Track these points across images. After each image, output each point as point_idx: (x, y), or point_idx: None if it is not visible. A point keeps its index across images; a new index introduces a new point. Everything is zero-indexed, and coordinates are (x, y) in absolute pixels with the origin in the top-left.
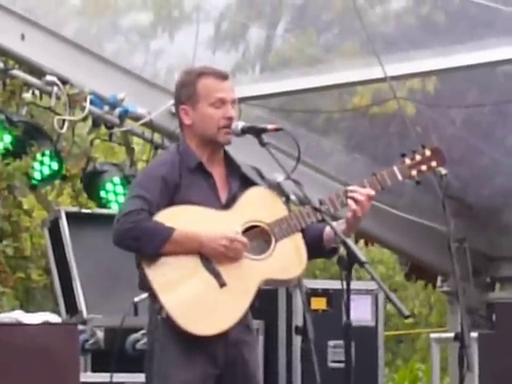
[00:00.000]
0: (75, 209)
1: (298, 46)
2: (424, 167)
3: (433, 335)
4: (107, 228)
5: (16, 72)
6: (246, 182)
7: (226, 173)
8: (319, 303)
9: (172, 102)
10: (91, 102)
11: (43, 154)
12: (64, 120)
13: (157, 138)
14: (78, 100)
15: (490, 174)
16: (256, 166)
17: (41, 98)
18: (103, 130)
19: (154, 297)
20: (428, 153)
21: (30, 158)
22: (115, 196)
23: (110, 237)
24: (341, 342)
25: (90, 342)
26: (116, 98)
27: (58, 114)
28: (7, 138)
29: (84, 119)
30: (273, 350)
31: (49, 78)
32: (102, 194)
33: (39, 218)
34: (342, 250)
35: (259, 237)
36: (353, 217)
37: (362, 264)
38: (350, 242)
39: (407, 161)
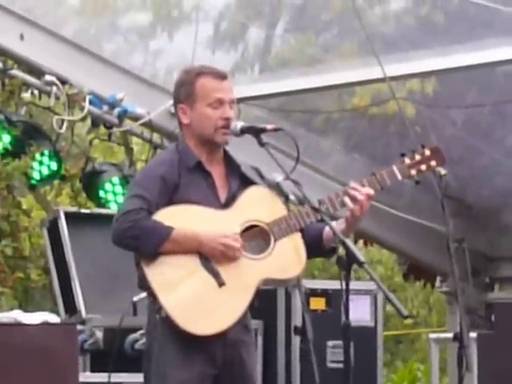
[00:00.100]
0: (74, 209)
1: (297, 46)
2: (423, 167)
3: (432, 335)
4: (106, 228)
5: (15, 72)
6: (246, 182)
7: (226, 172)
8: (318, 303)
9: (171, 101)
10: (90, 102)
11: (42, 154)
12: (63, 120)
13: (156, 137)
14: (77, 100)
15: (489, 175)
16: (256, 166)
17: (40, 97)
18: (102, 129)
19: (152, 296)
20: (427, 152)
21: (29, 157)
22: (114, 196)
23: (108, 237)
24: (340, 343)
25: (89, 341)
26: (115, 97)
27: (57, 114)
28: (6, 138)
29: (83, 119)
30: (272, 350)
31: (48, 77)
32: (101, 193)
33: (38, 218)
34: (341, 250)
35: (258, 236)
36: (351, 216)
37: (360, 264)
38: (349, 242)
39: (407, 160)
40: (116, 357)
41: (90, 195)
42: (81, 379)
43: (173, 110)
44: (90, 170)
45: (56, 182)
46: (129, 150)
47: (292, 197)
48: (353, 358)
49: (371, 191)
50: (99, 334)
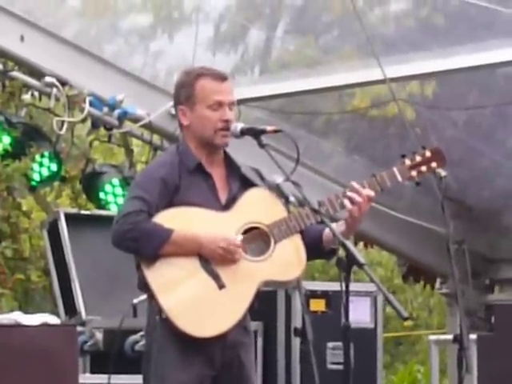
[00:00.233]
0: (74, 210)
1: (298, 47)
2: (424, 168)
3: (432, 337)
4: (106, 229)
5: (15, 73)
6: (246, 183)
7: (226, 174)
8: (318, 305)
9: (171, 103)
10: (90, 104)
11: (42, 156)
12: (63, 121)
13: (156, 139)
14: (77, 101)
15: (489, 176)
16: (256, 168)
17: (40, 99)
18: (102, 131)
19: (152, 298)
20: (428, 154)
21: (29, 159)
22: (114, 197)
23: (108, 238)
24: (340, 344)
25: (89, 343)
26: (115, 99)
27: (57, 116)
28: (6, 140)
29: (83, 120)
30: (272, 352)
31: (48, 79)
32: (101, 195)
33: (38, 220)
34: (341, 252)
35: (258, 238)
36: (350, 217)
37: (360, 266)
38: (349, 243)
39: (407, 162)
40: (116, 358)
41: (90, 197)
42: (81, 381)
43: (173, 112)
44: (90, 172)
45: (56, 183)
46: (129, 152)
47: (292, 198)
48: (353, 359)
49: (371, 193)
50: (99, 336)
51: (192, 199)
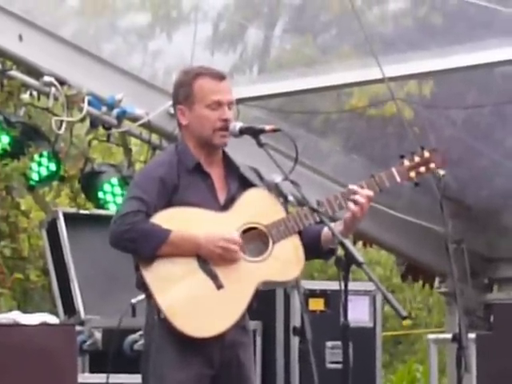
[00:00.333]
0: (73, 210)
1: (296, 47)
2: (423, 169)
3: (431, 336)
4: (105, 229)
5: (14, 73)
6: (245, 183)
7: (225, 174)
8: (317, 304)
9: (170, 102)
10: (89, 103)
11: (41, 155)
12: (62, 121)
13: (155, 138)
14: (75, 101)
15: (488, 176)
16: (254, 167)
17: (39, 98)
18: (101, 130)
19: (151, 298)
20: (427, 154)
21: (28, 158)
22: (113, 197)
23: (107, 238)
24: (339, 343)
25: (88, 342)
26: (114, 98)
27: (56, 115)
28: (5, 139)
29: (82, 120)
30: (271, 351)
31: (46, 78)
32: (100, 194)
33: (37, 219)
34: (340, 251)
35: (257, 238)
36: (352, 218)
37: (359, 265)
38: (348, 242)
39: (406, 162)
40: (115, 358)
41: (88, 196)
42: (79, 380)
43: (172, 111)
44: (89, 171)
45: (55, 182)
46: (127, 151)
47: (291, 197)
48: (352, 358)
49: (371, 193)
50: (98, 335)
51: (190, 199)
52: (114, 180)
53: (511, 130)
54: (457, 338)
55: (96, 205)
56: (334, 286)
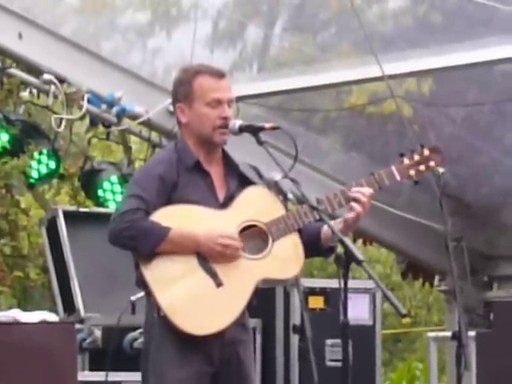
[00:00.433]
0: (73, 208)
1: (296, 45)
2: (422, 167)
3: (430, 334)
4: (105, 227)
5: (13, 71)
6: (244, 181)
7: (224, 172)
8: (317, 302)
9: (170, 100)
10: (89, 101)
11: (41, 153)
12: (61, 119)
13: (154, 136)
14: (75, 99)
15: (488, 173)
16: (254, 165)
17: (38, 96)
18: (101, 128)
19: (150, 296)
20: (426, 152)
21: (28, 156)
22: (113, 195)
23: (107, 236)
24: (338, 341)
25: (88, 340)
26: (113, 96)
27: (56, 113)
28: (5, 137)
29: (81, 118)
30: (270, 349)
31: (46, 76)
32: (100, 192)
33: (37, 217)
34: (340, 249)
35: (256, 236)
36: (354, 216)
37: (359, 262)
38: (348, 240)
39: (405, 161)
40: (114, 355)
41: (88, 194)
42: (79, 378)
43: (171, 109)
44: (89, 169)
45: (55, 180)
46: (127, 149)
47: (290, 195)
48: (351, 356)
49: (371, 190)
50: (98, 333)
51: (190, 197)
52: (114, 178)
53: (511, 127)
54: (456, 336)
55: (96, 203)
56: (333, 283)
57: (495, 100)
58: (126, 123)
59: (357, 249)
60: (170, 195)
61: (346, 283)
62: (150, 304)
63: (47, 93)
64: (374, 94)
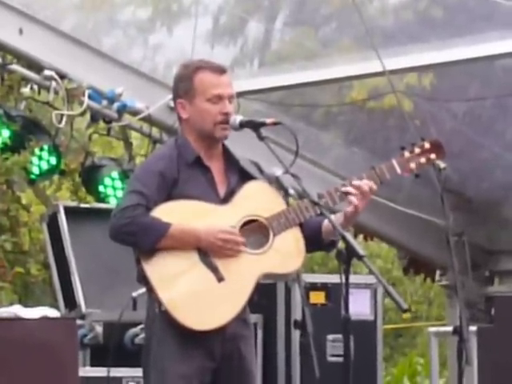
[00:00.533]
0: (74, 203)
1: (297, 40)
2: (423, 160)
3: (431, 329)
4: (106, 223)
5: (14, 67)
6: (245, 177)
7: (225, 167)
8: (318, 297)
9: (170, 96)
10: (89, 97)
11: (41, 149)
12: (62, 115)
13: (155, 132)
14: (76, 94)
15: (489, 168)
16: (255, 160)
17: (39, 92)
18: (101, 124)
19: (151, 291)
20: (427, 145)
21: (29, 152)
22: (114, 191)
23: (108, 231)
24: (340, 336)
25: (89, 336)
26: (114, 92)
27: (57, 109)
28: (5, 133)
29: (82, 114)
30: (271, 344)
31: (47, 72)
32: (101, 188)
33: (37, 213)
34: (341, 244)
35: (257, 231)
36: (354, 211)
37: (360, 258)
38: (349, 235)
39: (406, 154)
40: (116, 351)
41: (89, 190)
42: (80, 374)
43: (172, 105)
44: (90, 165)
45: (55, 176)
46: (128, 145)
47: (291, 191)
48: (353, 351)
49: (370, 183)
50: (99, 329)
51: (190, 192)
52: (115, 174)
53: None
54: (458, 331)
55: (96, 198)
56: (334, 279)
57: (496, 95)
58: (127, 119)
59: (358, 244)
60: (170, 191)
61: (347, 278)
62: (151, 299)
63: (48, 89)
64: (375, 89)
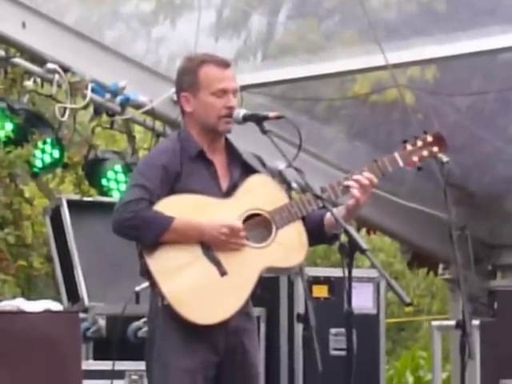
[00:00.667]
0: (76, 197)
1: (300, 33)
2: (425, 153)
3: (434, 323)
4: (109, 216)
5: (17, 60)
6: (248, 170)
7: (228, 161)
8: (321, 291)
9: (174, 89)
10: (92, 90)
11: (44, 142)
12: (65, 108)
13: (158, 125)
14: (79, 88)
15: (492, 162)
16: (257, 154)
17: (42, 85)
18: (105, 117)
19: (155, 285)
20: (429, 138)
21: (32, 145)
22: (117, 184)
23: (111, 225)
24: (342, 330)
25: (92, 329)
26: (117, 85)
27: (60, 102)
28: (9, 126)
29: (85, 107)
30: (274, 338)
31: (50, 65)
32: (104, 181)
33: (40, 206)
34: (344, 238)
35: (260, 225)
36: (356, 204)
37: (363, 251)
38: (352, 229)
39: (408, 147)
40: (119, 345)
41: (92, 183)
42: (83, 367)
43: (175, 98)
44: (93, 158)
45: (58, 169)
46: (131, 138)
47: (294, 185)
48: (355, 345)
49: (375, 178)
50: (102, 322)
51: (193, 186)
52: (118, 167)
53: None
54: (460, 325)
55: (99, 192)
56: (337, 272)
57: (499, 89)
58: (130, 112)
59: (360, 237)
60: (173, 185)
61: (350, 272)
62: (154, 293)
63: (51, 82)
64: (377, 82)
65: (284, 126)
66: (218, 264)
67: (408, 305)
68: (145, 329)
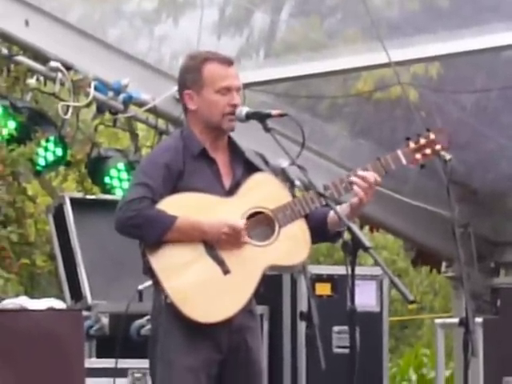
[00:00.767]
0: (79, 195)
1: (302, 31)
2: (428, 150)
3: (438, 320)
4: (112, 214)
5: (20, 58)
6: (250, 168)
7: (230, 159)
8: (324, 289)
9: (176, 87)
10: (95, 88)
11: (47, 140)
12: (68, 106)
13: (161, 123)
14: (82, 86)
15: (495, 159)
16: (260, 152)
17: (45, 84)
18: (107, 115)
19: (158, 284)
20: (432, 136)
21: (35, 144)
22: (119, 182)
23: (114, 223)
24: (345, 328)
25: (95, 327)
26: (120, 83)
27: (63, 100)
28: (11, 124)
29: (88, 105)
30: (277, 336)
31: (53, 63)
32: (107, 179)
33: (43, 204)
34: (347, 236)
35: (263, 223)
36: (359, 202)
37: (366, 249)
38: (355, 227)
39: (411, 144)
40: (122, 343)
41: (95, 181)
42: (86, 365)
43: (178, 96)
44: (96, 156)
45: (61, 167)
46: (134, 136)
47: (297, 182)
48: (358, 343)
49: (375, 175)
50: (105, 320)
51: (196, 185)
52: (121, 165)
53: None
54: (464, 323)
55: (102, 190)
56: (340, 270)
57: (502, 86)
58: (133, 110)
59: (364, 235)
60: (176, 183)
61: (353, 270)
62: (158, 291)
63: (54, 80)
64: (381, 80)
65: (287, 124)
66: (221, 263)
67: (411, 302)
68: (148, 327)
